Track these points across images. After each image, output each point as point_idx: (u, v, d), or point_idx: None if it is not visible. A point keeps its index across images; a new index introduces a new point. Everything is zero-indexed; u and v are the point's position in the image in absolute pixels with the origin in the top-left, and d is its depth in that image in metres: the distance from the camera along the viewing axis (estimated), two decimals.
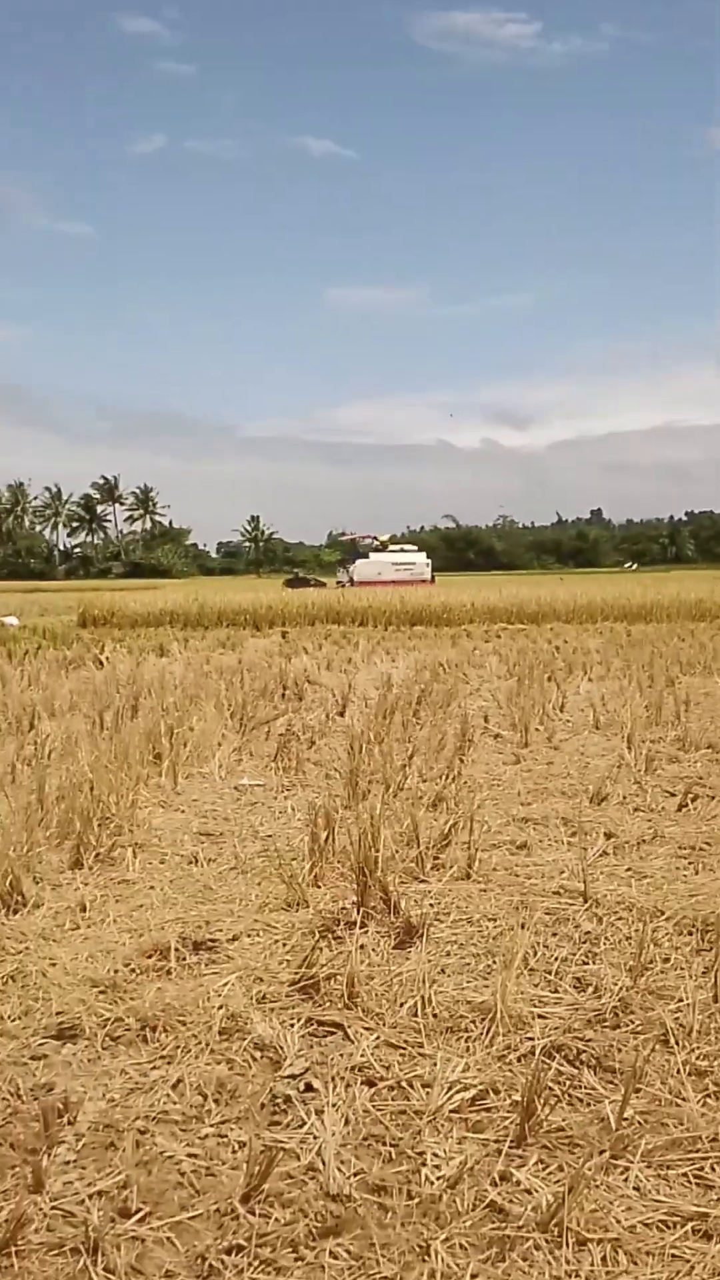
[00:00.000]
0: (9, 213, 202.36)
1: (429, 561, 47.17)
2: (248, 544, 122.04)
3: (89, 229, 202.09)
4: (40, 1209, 1.91)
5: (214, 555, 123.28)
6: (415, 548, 51.53)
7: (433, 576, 44.29)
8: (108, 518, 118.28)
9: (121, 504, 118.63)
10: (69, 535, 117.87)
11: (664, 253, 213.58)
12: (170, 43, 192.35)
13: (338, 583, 41.81)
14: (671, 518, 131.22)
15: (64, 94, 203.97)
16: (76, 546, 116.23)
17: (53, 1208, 1.92)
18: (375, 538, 50.30)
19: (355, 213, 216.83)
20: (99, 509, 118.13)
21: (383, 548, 48.33)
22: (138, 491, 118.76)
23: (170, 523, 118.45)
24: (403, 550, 48.68)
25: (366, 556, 46.01)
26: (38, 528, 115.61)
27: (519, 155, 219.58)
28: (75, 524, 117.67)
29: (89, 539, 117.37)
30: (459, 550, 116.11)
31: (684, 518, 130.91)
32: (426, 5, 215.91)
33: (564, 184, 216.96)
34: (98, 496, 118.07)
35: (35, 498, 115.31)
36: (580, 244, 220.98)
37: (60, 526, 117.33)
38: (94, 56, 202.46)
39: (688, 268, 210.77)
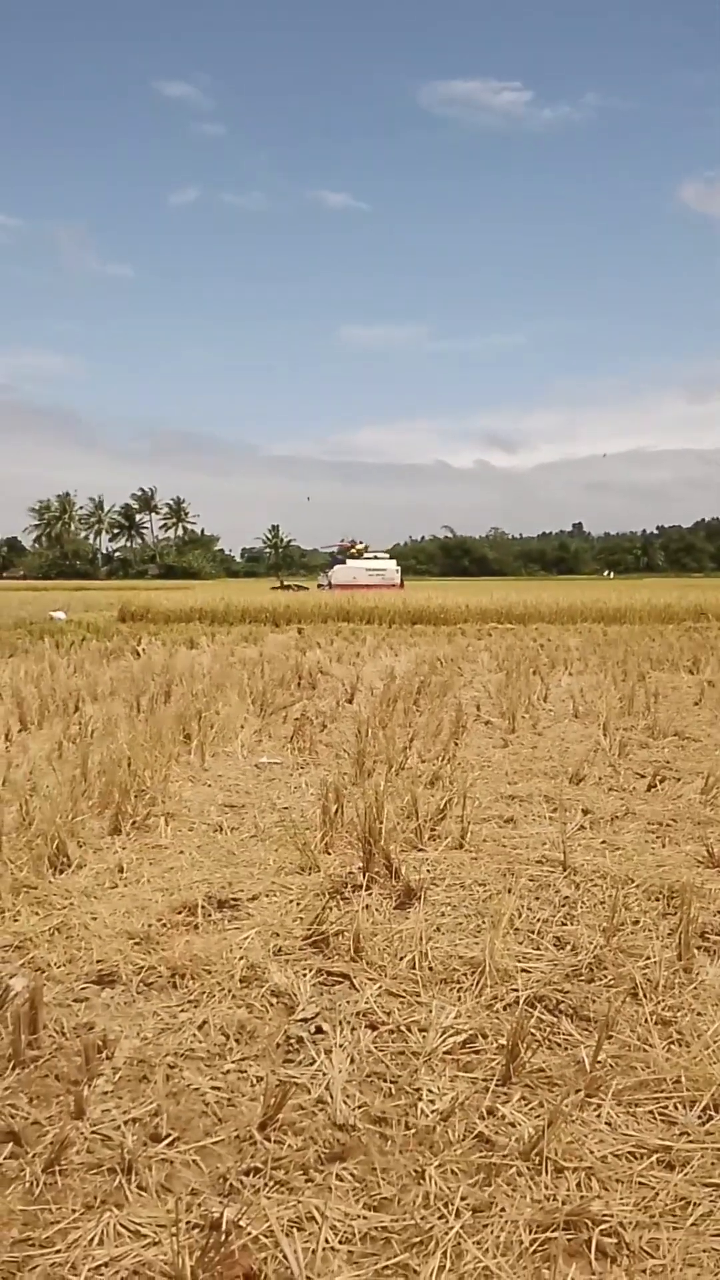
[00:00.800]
0: (60, 255, 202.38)
1: (399, 568, 47.19)
2: (268, 550, 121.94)
3: (130, 270, 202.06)
4: (81, 1133, 1.92)
5: (238, 560, 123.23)
6: (387, 555, 51.43)
7: (401, 582, 44.24)
8: (145, 525, 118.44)
9: (157, 513, 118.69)
10: (110, 540, 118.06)
11: (638, 297, 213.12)
12: (204, 106, 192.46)
13: (318, 585, 41.83)
14: (644, 532, 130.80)
15: (109, 150, 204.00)
16: (117, 550, 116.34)
17: (92, 1132, 1.92)
18: (352, 545, 50.23)
19: (367, 258, 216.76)
20: (137, 517, 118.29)
21: (358, 555, 48.24)
22: (171, 503, 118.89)
23: (202, 531, 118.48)
24: (375, 558, 48.54)
25: (344, 562, 45.97)
26: (83, 534, 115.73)
27: (512, 209, 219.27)
28: (116, 530, 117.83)
29: (128, 544, 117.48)
30: (455, 558, 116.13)
31: (655, 532, 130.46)
32: (430, 75, 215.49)
33: (551, 235, 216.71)
34: (136, 506, 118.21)
35: (81, 507, 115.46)
36: (565, 289, 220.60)
37: (103, 533, 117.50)
38: (136, 117, 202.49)
39: (660, 311, 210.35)
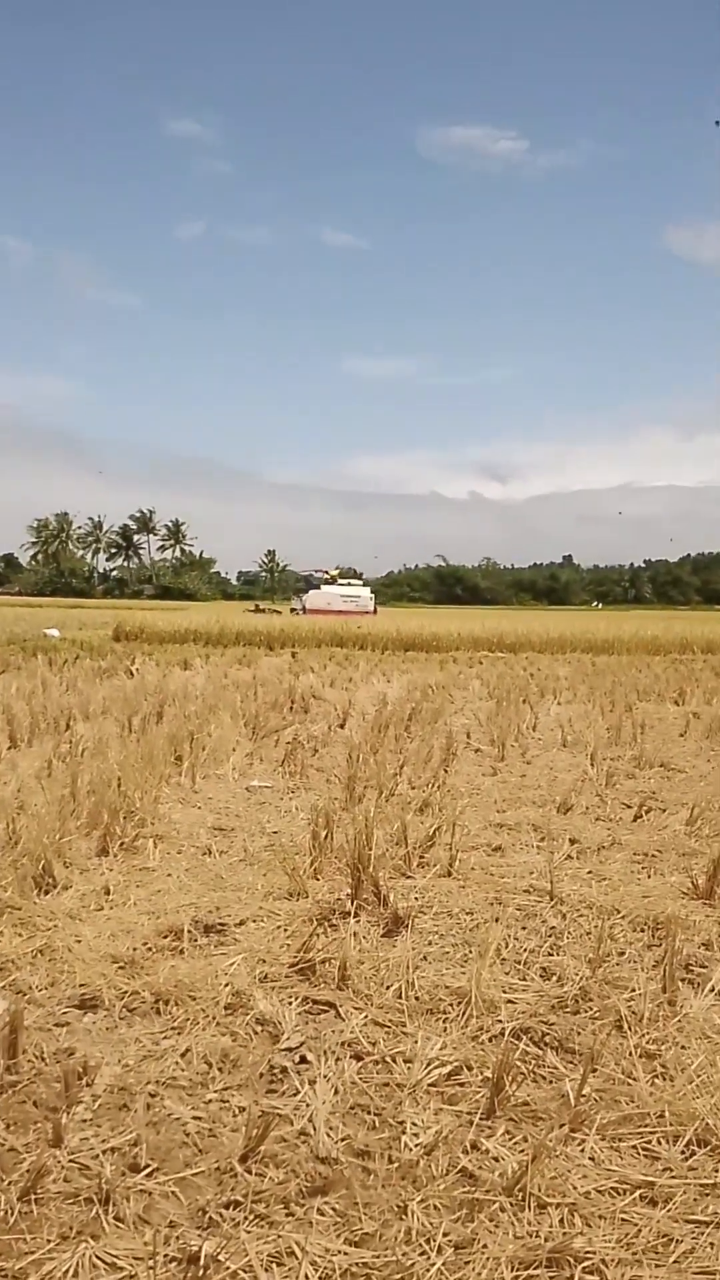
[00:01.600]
0: (67, 283, 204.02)
1: (373, 595, 47.09)
2: (264, 574, 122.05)
3: (137, 300, 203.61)
4: (59, 1161, 1.87)
5: (234, 582, 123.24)
6: (361, 582, 51.43)
7: (375, 608, 44.09)
8: (142, 546, 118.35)
9: (155, 534, 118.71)
10: (107, 560, 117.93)
11: (629, 336, 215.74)
12: (212, 143, 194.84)
13: (291, 610, 41.64)
14: (632, 564, 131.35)
15: (117, 183, 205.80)
16: (114, 570, 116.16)
17: (70, 1160, 1.88)
18: (326, 572, 50.20)
19: (367, 295, 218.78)
20: (135, 538, 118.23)
21: (332, 581, 48.18)
22: (170, 524, 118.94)
23: (200, 553, 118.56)
24: (349, 584, 48.52)
25: (318, 588, 45.83)
26: (80, 553, 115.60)
27: (508, 250, 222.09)
28: (113, 550, 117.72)
29: (125, 564, 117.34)
30: (448, 586, 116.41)
31: (643, 564, 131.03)
32: (431, 121, 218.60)
33: (546, 276, 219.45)
34: (134, 527, 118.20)
35: (79, 527, 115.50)
36: (559, 328, 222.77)
37: (100, 552, 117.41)
38: (144, 152, 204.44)
39: (649, 350, 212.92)
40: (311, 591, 45.11)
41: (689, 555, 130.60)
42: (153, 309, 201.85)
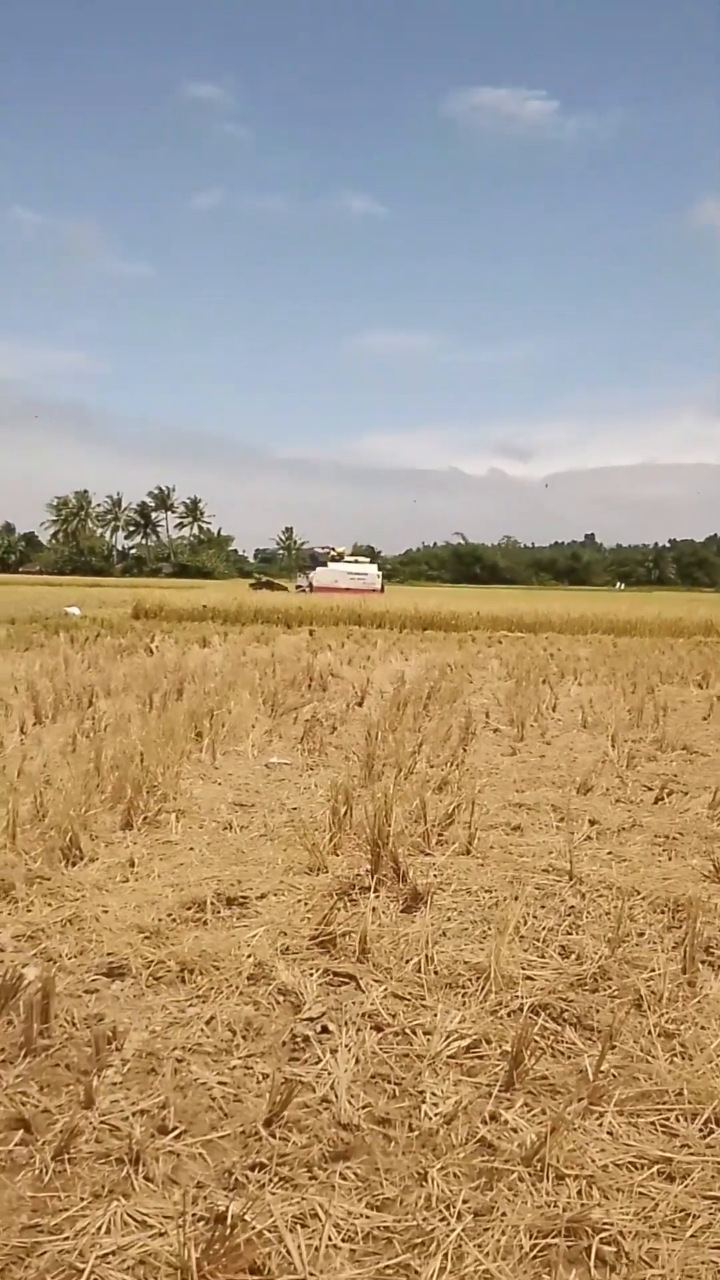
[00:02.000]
0: (78, 254, 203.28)
1: (380, 573, 46.84)
2: (281, 551, 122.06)
3: (149, 271, 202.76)
4: (90, 1122, 1.93)
5: (251, 560, 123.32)
6: (368, 559, 51.19)
7: (382, 586, 43.79)
8: (160, 524, 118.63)
9: (173, 512, 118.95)
10: (125, 538, 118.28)
11: (654, 312, 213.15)
12: (230, 107, 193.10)
13: (297, 587, 41.36)
14: (656, 544, 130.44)
15: (132, 151, 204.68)
16: (132, 548, 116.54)
17: (101, 1122, 1.94)
18: (332, 549, 50.02)
19: (386, 265, 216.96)
20: (153, 516, 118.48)
21: (339, 558, 47.95)
22: (187, 502, 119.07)
23: (218, 531, 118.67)
24: (356, 561, 48.29)
25: (325, 565, 45.62)
26: (99, 531, 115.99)
27: (532, 219, 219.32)
28: (132, 528, 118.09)
29: (143, 542, 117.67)
30: (466, 565, 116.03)
31: (667, 544, 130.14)
32: (456, 82, 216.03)
33: (569, 249, 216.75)
34: (152, 505, 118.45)
35: (98, 505, 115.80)
36: (582, 303, 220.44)
37: (119, 530, 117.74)
38: (162, 117, 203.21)
39: (675, 327, 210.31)
40: (319, 569, 44.90)
41: (715, 535, 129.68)
42: (166, 280, 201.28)
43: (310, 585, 40.85)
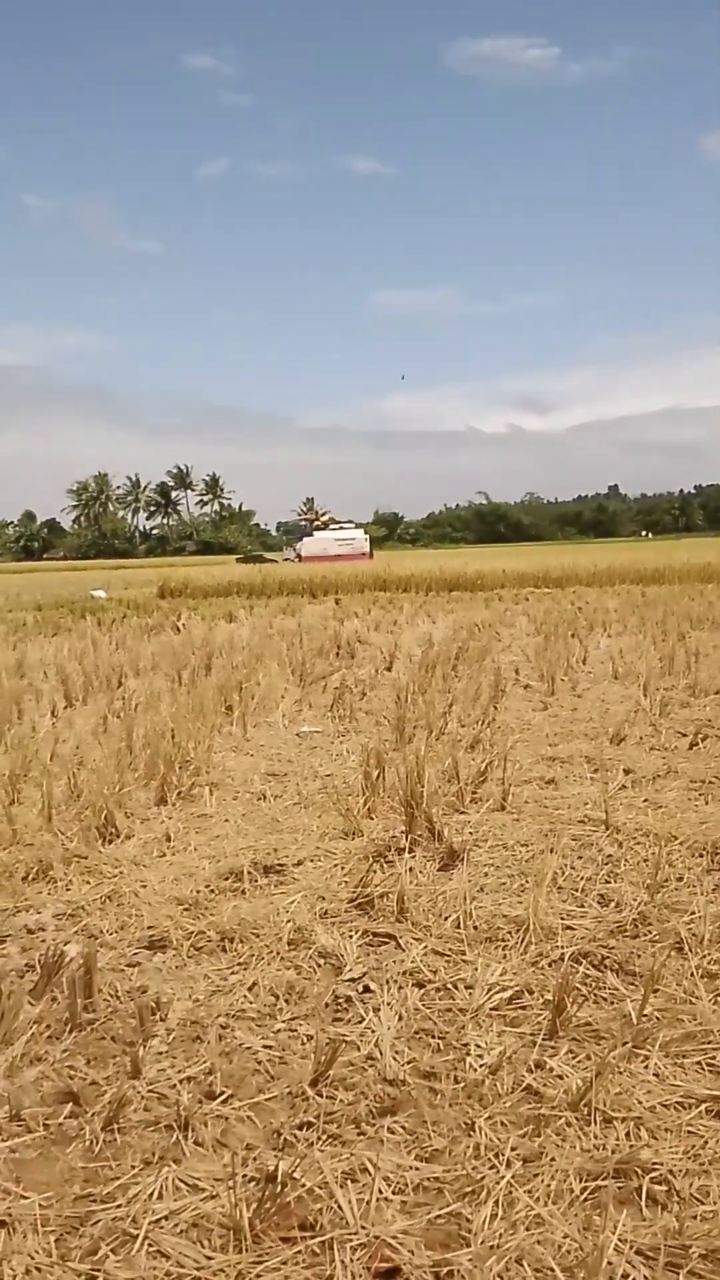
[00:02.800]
0: (88, 234, 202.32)
1: (367, 537, 46.36)
2: (304, 522, 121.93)
3: (160, 245, 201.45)
4: (138, 1092, 1.96)
5: (274, 533, 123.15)
6: (353, 524, 50.74)
7: (371, 551, 43.23)
8: (181, 502, 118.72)
9: (193, 490, 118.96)
10: (147, 519, 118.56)
11: (671, 251, 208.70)
12: (230, 76, 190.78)
13: (285, 559, 40.79)
14: (682, 491, 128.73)
15: (135, 126, 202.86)
16: (154, 528, 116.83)
17: (149, 1090, 1.96)
18: (317, 516, 49.58)
19: (397, 223, 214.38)
20: (173, 495, 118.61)
21: (324, 526, 47.51)
22: (207, 479, 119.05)
23: (240, 506, 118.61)
24: (342, 528, 47.81)
25: (311, 535, 45.14)
26: (120, 513, 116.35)
27: (542, 167, 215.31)
28: (153, 508, 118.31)
29: (165, 521, 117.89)
30: (490, 524, 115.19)
31: (694, 491, 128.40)
32: (456, 33, 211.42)
33: (583, 193, 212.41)
34: (172, 484, 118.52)
35: (118, 486, 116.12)
36: (597, 246, 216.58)
37: (140, 511, 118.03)
38: (162, 90, 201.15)
39: (690, 265, 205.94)
40: (306, 539, 44.48)
41: None
42: (177, 253, 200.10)
43: (299, 555, 40.38)
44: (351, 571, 21.16)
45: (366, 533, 48.01)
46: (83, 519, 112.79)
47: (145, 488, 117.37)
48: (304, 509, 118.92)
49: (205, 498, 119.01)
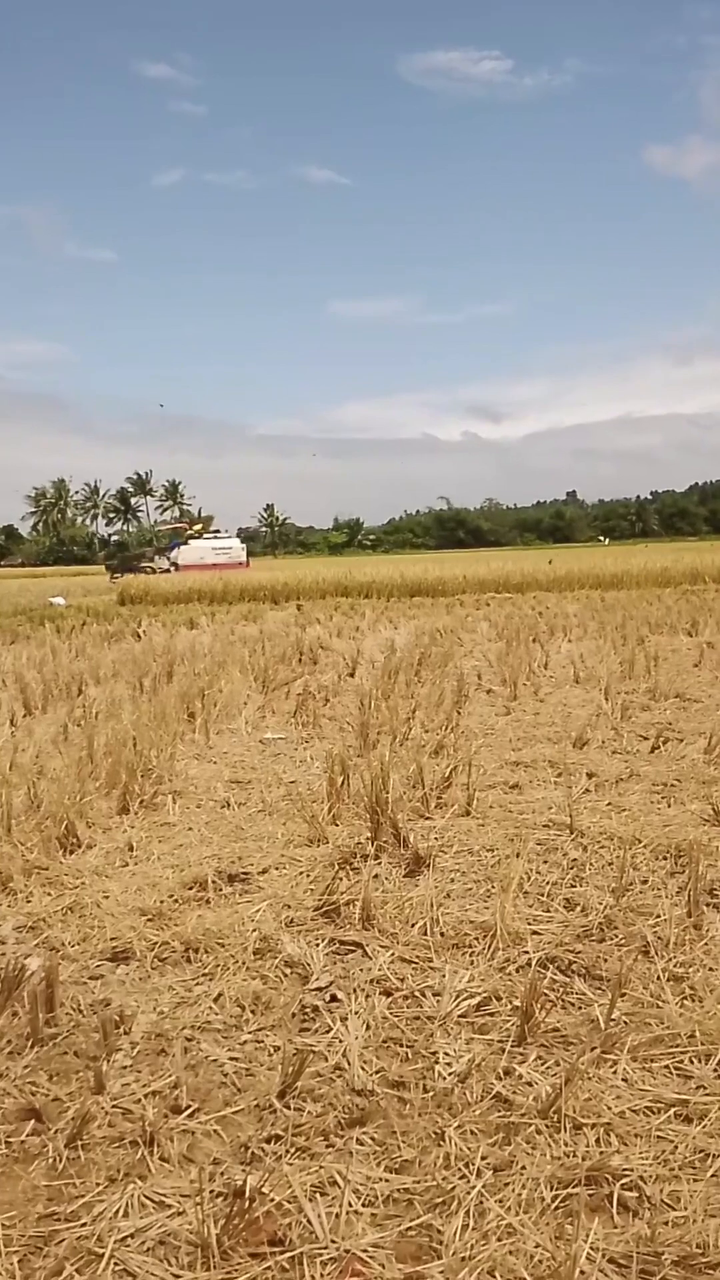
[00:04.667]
0: (40, 241, 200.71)
1: (244, 546, 45.98)
2: (264, 529, 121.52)
3: (114, 254, 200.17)
4: (102, 1107, 1.92)
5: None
6: (229, 533, 50.46)
7: (248, 560, 42.76)
8: (140, 509, 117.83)
9: (153, 496, 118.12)
10: (107, 525, 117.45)
11: (623, 263, 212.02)
12: (185, 85, 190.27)
13: (159, 570, 38.86)
14: (638, 497, 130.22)
15: (89, 134, 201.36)
16: (114, 535, 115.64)
17: (113, 1106, 1.92)
18: (189, 524, 49.21)
19: (354, 233, 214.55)
20: (133, 501, 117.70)
21: (198, 535, 47.04)
22: (167, 485, 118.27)
23: (200, 511, 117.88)
24: (216, 535, 47.44)
25: (187, 544, 44.44)
26: (79, 519, 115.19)
27: (495, 178, 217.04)
28: (112, 515, 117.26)
29: (124, 528, 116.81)
30: (450, 530, 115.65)
31: (649, 497, 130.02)
32: (410, 46, 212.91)
33: (535, 203, 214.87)
34: (132, 490, 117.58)
35: (76, 492, 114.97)
36: (550, 256, 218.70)
37: (99, 517, 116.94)
38: (116, 99, 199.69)
39: (641, 276, 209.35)
40: (184, 547, 43.61)
41: (696, 484, 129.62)
42: (131, 262, 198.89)
43: (176, 565, 39.29)
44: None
45: (242, 541, 47.60)
46: (41, 525, 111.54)
47: (104, 494, 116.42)
48: (264, 515, 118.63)
49: (165, 504, 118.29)
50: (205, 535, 46.77)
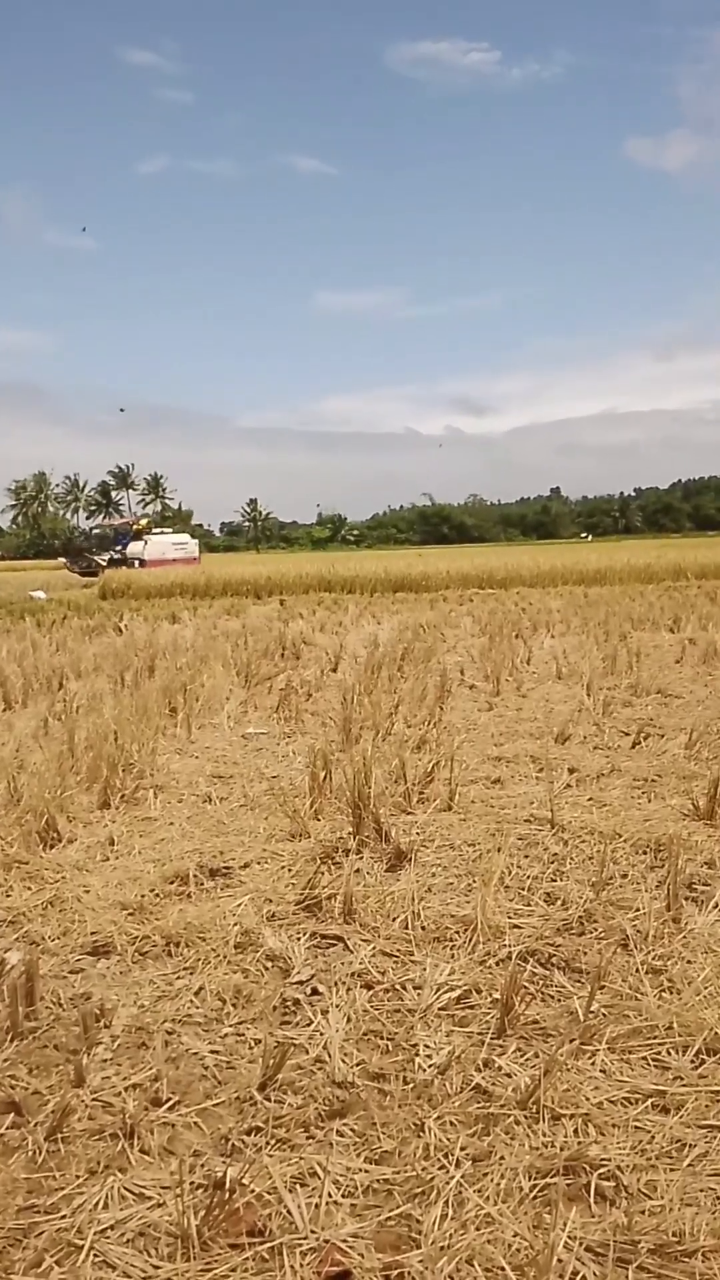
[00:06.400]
0: (20, 228, 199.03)
1: (198, 542, 46.38)
2: (247, 523, 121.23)
3: (96, 242, 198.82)
4: (82, 1101, 1.92)
5: (217, 534, 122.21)
6: (171, 530, 50.73)
7: (199, 556, 42.93)
8: (122, 503, 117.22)
9: (134, 489, 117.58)
10: (88, 518, 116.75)
11: (604, 256, 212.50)
12: (170, 73, 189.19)
13: (116, 564, 38.32)
14: (622, 494, 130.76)
15: (72, 121, 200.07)
16: (95, 528, 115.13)
17: (93, 1099, 1.93)
18: (137, 520, 49.22)
19: (339, 224, 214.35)
20: (114, 495, 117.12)
21: (144, 530, 47.02)
22: (149, 478, 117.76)
23: (180, 506, 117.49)
24: (163, 533, 47.33)
25: (138, 539, 44.11)
26: (60, 512, 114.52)
27: (482, 170, 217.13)
28: (93, 508, 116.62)
29: (106, 521, 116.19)
30: (434, 525, 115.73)
31: (633, 493, 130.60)
32: (398, 36, 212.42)
33: (519, 197, 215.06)
34: (113, 483, 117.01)
35: (57, 485, 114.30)
36: (535, 250, 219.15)
37: (80, 510, 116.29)
38: (101, 86, 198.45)
39: (625, 271, 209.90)
40: (149, 542, 43.39)
41: (679, 481, 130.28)
42: (113, 250, 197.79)
43: (140, 560, 39.01)
44: (297, 572, 21.08)
45: (194, 536, 47.80)
46: (20, 519, 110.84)
47: (85, 487, 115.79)
48: (248, 509, 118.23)
49: (147, 498, 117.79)
50: (156, 531, 46.48)
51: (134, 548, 41.01)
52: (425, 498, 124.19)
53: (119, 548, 41.58)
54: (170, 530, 48.57)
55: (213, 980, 2.42)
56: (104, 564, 36.94)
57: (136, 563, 37.37)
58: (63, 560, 40.50)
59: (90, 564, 38.17)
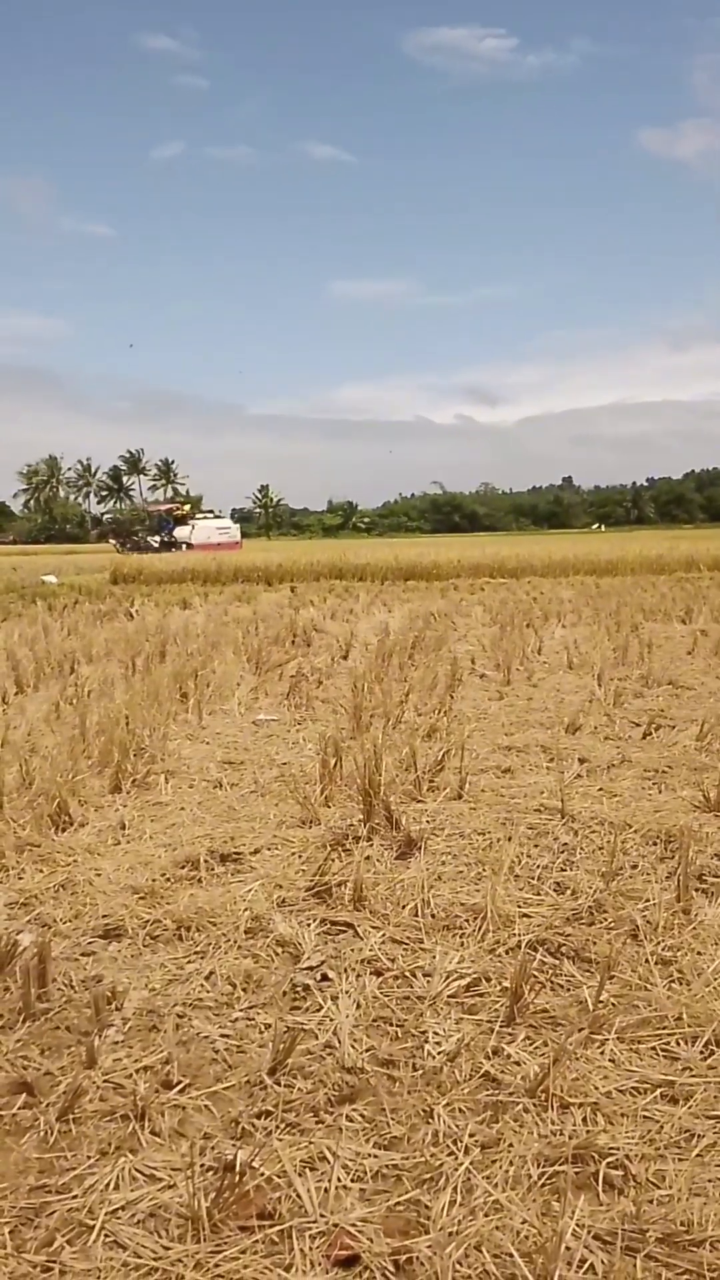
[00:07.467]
0: (36, 215, 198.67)
1: (238, 526, 47.27)
2: (259, 510, 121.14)
3: (113, 229, 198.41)
4: (94, 1082, 1.93)
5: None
6: (215, 513, 51.53)
7: (241, 541, 43.75)
8: (133, 487, 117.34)
9: (145, 475, 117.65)
10: (99, 503, 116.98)
11: (620, 246, 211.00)
12: (187, 58, 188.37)
13: (172, 548, 39.18)
14: (634, 484, 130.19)
15: (89, 106, 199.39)
16: (106, 513, 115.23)
17: (104, 1081, 1.94)
18: (179, 506, 49.74)
19: (355, 212, 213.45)
20: (125, 480, 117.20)
21: (190, 515, 47.56)
22: (160, 464, 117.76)
23: (188, 491, 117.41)
24: (205, 518, 47.98)
25: (182, 524, 44.83)
26: (71, 497, 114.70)
27: (499, 159, 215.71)
28: (104, 493, 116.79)
29: (117, 506, 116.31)
30: (445, 514, 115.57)
31: (645, 484, 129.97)
32: (415, 23, 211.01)
33: (541, 186, 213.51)
34: (124, 468, 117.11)
35: (69, 470, 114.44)
36: (553, 239, 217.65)
37: (91, 495, 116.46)
38: (118, 71, 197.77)
39: (640, 262, 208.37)
40: (195, 527, 44.16)
41: (692, 472, 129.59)
42: (128, 236, 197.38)
43: (189, 544, 39.84)
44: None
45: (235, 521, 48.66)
46: (33, 503, 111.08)
47: (97, 472, 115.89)
48: (259, 496, 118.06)
49: (158, 483, 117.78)
50: (199, 515, 47.22)
51: (181, 531, 41.90)
52: (436, 486, 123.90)
53: (166, 531, 42.38)
54: (213, 515, 49.33)
55: (223, 965, 2.43)
56: (156, 545, 37.59)
57: (184, 545, 38.04)
58: (112, 542, 41.22)
59: (140, 544, 38.99)
